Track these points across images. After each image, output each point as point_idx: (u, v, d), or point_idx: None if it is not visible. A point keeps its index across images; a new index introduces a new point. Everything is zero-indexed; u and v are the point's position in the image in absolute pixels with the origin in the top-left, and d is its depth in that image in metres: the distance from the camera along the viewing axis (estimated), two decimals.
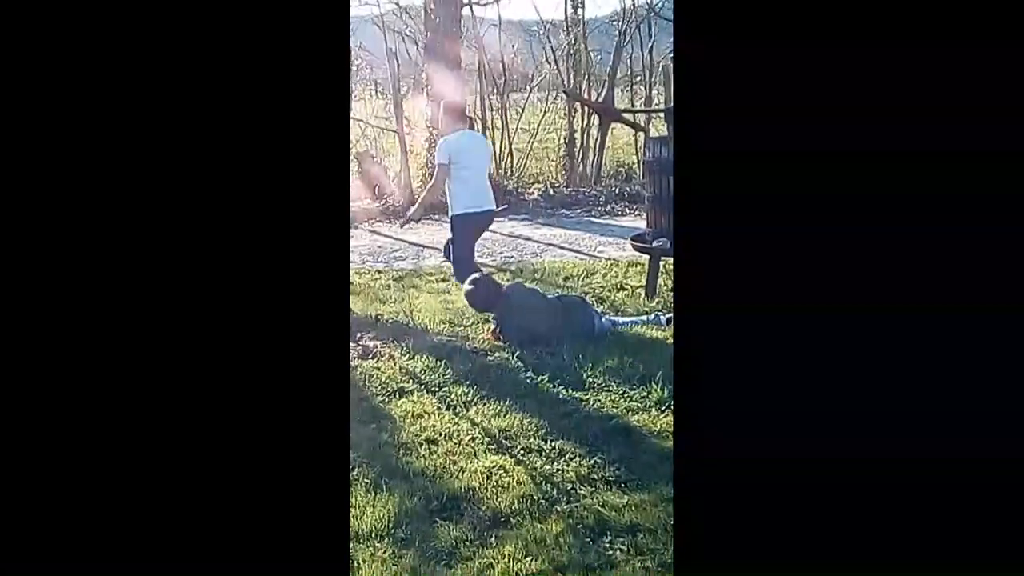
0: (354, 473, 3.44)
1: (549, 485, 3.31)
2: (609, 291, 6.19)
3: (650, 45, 11.98)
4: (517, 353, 4.76)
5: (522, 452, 3.62)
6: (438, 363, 4.65)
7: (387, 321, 5.45)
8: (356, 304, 5.81)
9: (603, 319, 5.24)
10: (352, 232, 9.04)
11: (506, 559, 2.80)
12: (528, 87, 12.59)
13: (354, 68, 10.28)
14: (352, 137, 10.28)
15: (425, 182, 10.24)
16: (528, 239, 8.26)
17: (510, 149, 11.60)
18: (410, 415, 4.04)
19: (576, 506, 3.15)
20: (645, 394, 4.14)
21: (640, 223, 7.67)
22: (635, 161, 11.59)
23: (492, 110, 11.49)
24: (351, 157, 10.77)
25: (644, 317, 5.42)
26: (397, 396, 4.29)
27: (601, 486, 3.30)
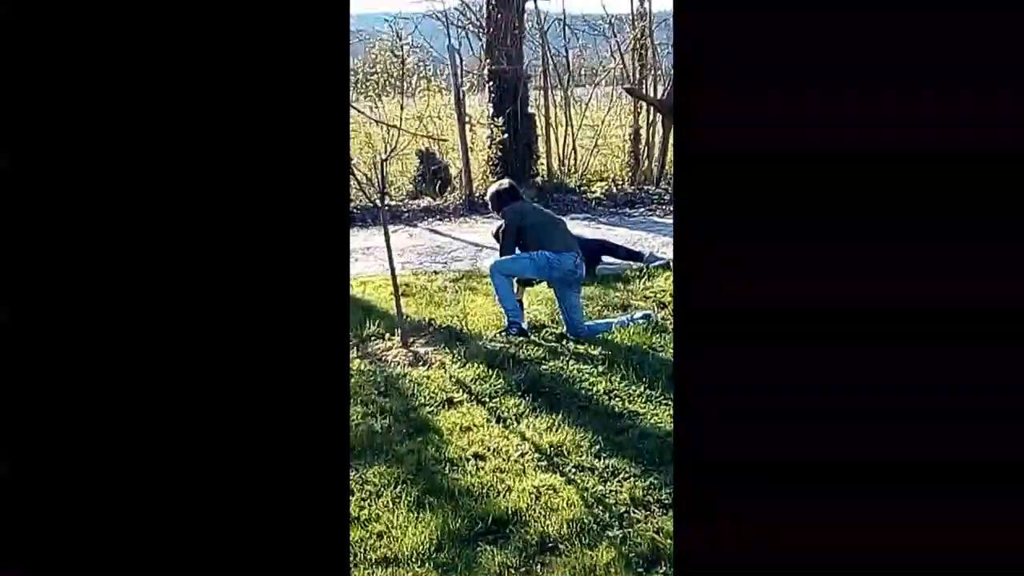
0: (397, 490, 3.31)
1: (601, 507, 3.15)
2: (671, 296, 5.95)
3: None
4: (573, 363, 4.57)
5: (574, 470, 3.45)
6: (490, 372, 4.49)
7: (440, 326, 5.30)
8: (410, 307, 5.67)
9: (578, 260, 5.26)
10: (411, 231, 8.94)
11: None
12: (593, 83, 12.37)
13: (416, 64, 10.14)
14: (413, 134, 10.15)
15: (486, 180, 10.09)
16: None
17: (574, 146, 11.39)
18: (458, 428, 3.89)
19: (629, 532, 2.98)
20: None
21: None
22: None
23: (556, 107, 11.28)
24: (414, 154, 10.68)
25: (626, 317, 5.31)
26: (446, 407, 4.14)
27: (656, 510, 3.12)
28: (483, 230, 8.13)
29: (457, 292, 6.21)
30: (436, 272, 6.92)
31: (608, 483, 3.33)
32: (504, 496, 3.25)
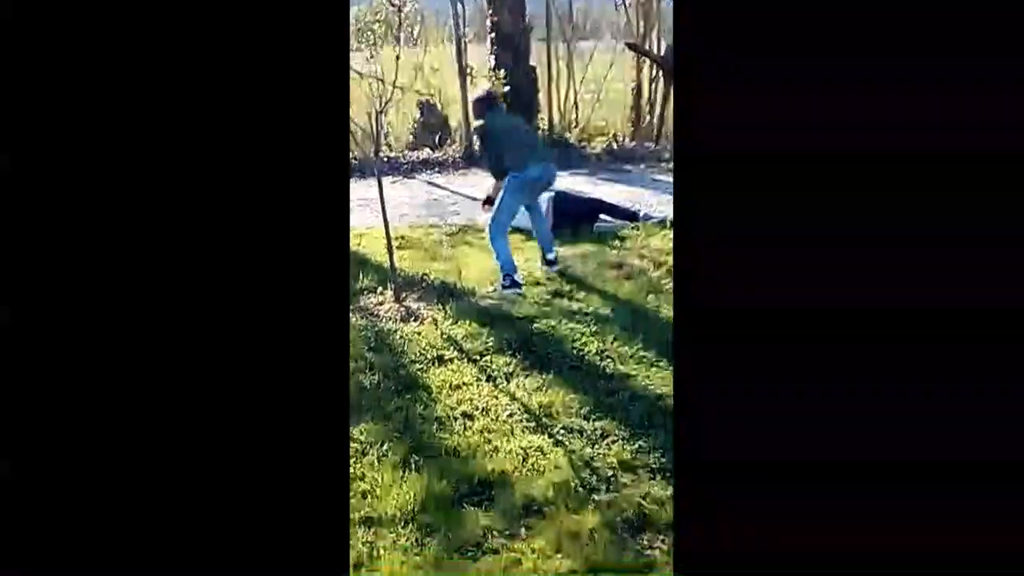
0: (383, 448, 3.29)
1: (588, 471, 3.13)
2: (667, 254, 5.94)
3: None
4: (565, 322, 4.56)
5: (562, 432, 3.43)
6: (482, 329, 4.46)
7: (434, 281, 5.28)
8: (405, 261, 5.65)
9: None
10: (409, 183, 8.89)
11: (535, 555, 2.63)
12: (597, 36, 12.22)
13: (416, 14, 10.02)
14: (413, 83, 10.04)
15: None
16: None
17: (575, 100, 11.28)
18: (448, 386, 3.87)
19: (616, 497, 2.95)
20: None
21: None
22: None
23: (558, 59, 11.15)
24: (415, 104, 10.57)
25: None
26: (436, 364, 4.11)
27: (643, 474, 3.10)
28: (482, 184, 8.09)
29: (453, 247, 6.18)
30: (433, 226, 6.88)
31: (596, 446, 3.31)
32: (491, 457, 3.23)
